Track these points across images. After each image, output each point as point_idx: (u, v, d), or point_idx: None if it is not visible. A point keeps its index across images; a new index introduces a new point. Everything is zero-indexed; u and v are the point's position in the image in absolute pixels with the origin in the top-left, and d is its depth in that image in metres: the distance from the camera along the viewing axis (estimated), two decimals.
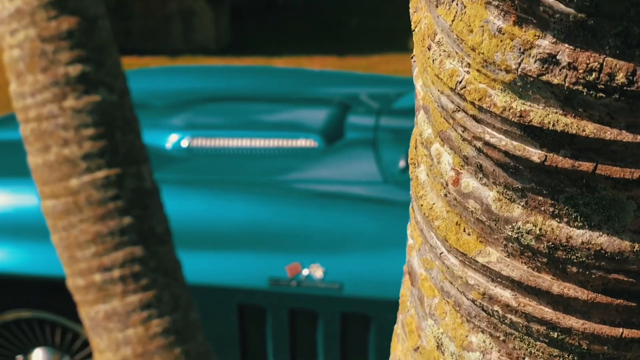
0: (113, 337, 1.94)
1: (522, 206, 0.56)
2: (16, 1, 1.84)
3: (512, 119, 0.53)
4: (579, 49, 0.51)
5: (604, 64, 0.50)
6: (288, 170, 3.33)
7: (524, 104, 0.53)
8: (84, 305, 1.96)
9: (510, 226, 0.57)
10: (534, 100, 0.53)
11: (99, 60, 1.89)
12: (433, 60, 0.57)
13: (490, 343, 0.61)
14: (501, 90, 0.54)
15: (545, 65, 0.52)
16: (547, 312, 0.58)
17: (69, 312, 3.06)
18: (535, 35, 0.52)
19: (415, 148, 0.65)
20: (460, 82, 0.55)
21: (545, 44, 0.51)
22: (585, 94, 0.51)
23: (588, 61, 0.50)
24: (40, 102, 1.86)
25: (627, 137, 0.52)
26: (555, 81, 0.51)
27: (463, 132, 0.56)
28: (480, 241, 0.59)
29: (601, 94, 0.51)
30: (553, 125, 0.53)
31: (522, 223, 0.57)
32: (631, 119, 0.51)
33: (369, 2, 10.08)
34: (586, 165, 0.53)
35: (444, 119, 0.58)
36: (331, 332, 2.84)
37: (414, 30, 0.62)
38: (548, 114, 0.53)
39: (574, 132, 0.52)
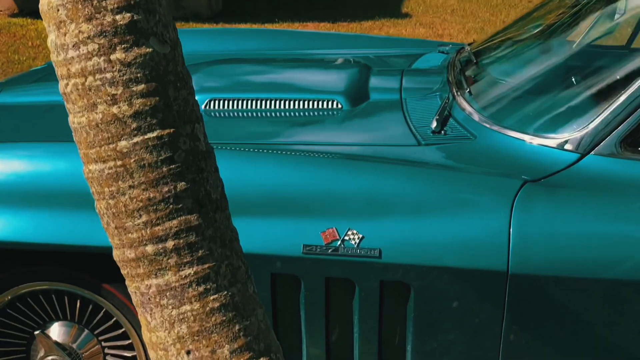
0: (166, 313, 1.76)
1: None
2: None
3: None
4: None
5: None
6: (314, 133, 3.15)
7: None
8: (134, 279, 1.78)
9: None
10: None
11: (149, 8, 1.69)
12: None
13: None
14: None
15: None
16: None
17: (87, 283, 2.88)
18: None
19: None
20: None
21: None
22: None
23: None
24: (85, 54, 1.66)
25: None
26: None
27: None
28: None
29: None
30: None
31: None
32: None
33: None
34: None
35: None
36: (368, 301, 2.68)
37: None
38: None
39: None
